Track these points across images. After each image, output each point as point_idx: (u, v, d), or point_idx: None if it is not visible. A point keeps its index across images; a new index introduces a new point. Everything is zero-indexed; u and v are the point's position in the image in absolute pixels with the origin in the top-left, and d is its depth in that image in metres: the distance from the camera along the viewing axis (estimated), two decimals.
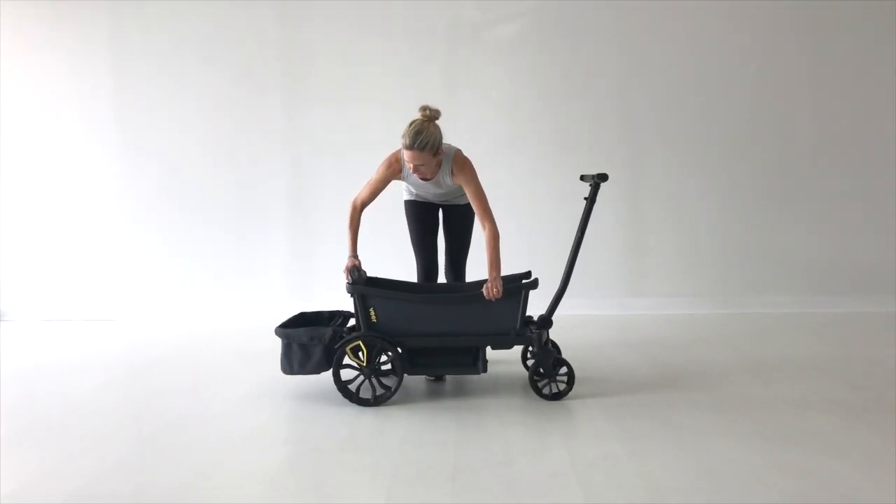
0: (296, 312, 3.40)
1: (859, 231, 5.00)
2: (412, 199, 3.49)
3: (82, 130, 5.25)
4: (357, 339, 3.00)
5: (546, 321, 3.14)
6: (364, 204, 3.26)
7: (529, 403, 3.00)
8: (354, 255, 3.23)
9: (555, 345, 3.31)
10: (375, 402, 3.00)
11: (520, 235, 5.07)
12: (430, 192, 3.36)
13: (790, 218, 5.02)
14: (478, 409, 2.95)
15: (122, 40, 5.18)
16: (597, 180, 3.20)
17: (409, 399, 3.11)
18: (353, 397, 3.02)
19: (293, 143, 5.18)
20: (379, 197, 3.29)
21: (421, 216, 3.48)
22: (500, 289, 3.03)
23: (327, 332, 3.02)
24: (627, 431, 2.63)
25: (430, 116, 3.07)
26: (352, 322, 3.38)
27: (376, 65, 5.06)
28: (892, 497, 2.06)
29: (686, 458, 2.37)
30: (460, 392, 3.20)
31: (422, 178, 3.19)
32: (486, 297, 3.02)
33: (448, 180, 3.22)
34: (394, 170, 3.24)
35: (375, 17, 5.05)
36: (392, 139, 4.94)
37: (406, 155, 3.07)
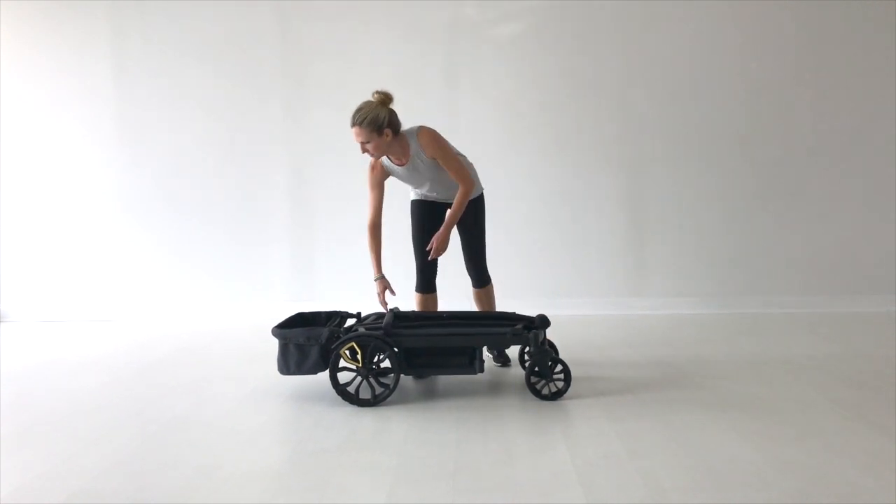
0: (293, 313, 3.40)
1: (860, 230, 4.99)
2: (417, 198, 3.52)
3: (82, 131, 5.25)
4: (350, 340, 3.00)
5: (544, 321, 3.14)
6: (372, 221, 3.41)
7: (530, 403, 3.00)
8: (380, 275, 3.40)
9: (552, 344, 3.31)
10: (375, 401, 3.00)
11: (520, 234, 5.07)
12: (421, 183, 3.40)
13: (791, 217, 5.02)
14: (478, 408, 2.95)
15: (121, 41, 5.18)
16: None
17: (409, 399, 3.10)
18: (352, 398, 3.01)
19: (293, 143, 5.18)
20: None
21: (422, 216, 3.51)
22: (445, 246, 3.32)
23: (324, 332, 3.02)
24: (628, 431, 2.63)
25: (379, 99, 3.18)
26: (350, 322, 3.38)
27: (376, 64, 5.06)
28: (892, 496, 2.05)
29: (687, 457, 2.37)
30: (460, 392, 3.20)
31: (397, 164, 3.29)
32: (429, 252, 3.30)
33: (424, 157, 3.28)
34: (377, 168, 3.37)
35: (375, 16, 5.05)
36: None
37: (352, 133, 3.17)
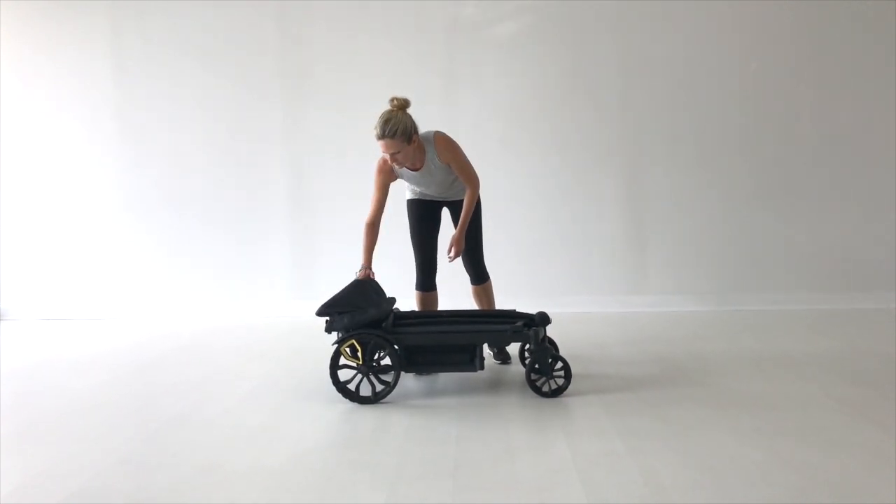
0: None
1: (859, 228, 4.99)
2: (415, 198, 3.52)
3: (82, 130, 5.26)
4: (351, 337, 3.00)
5: (544, 318, 3.14)
6: (371, 219, 3.35)
7: (530, 400, 3.00)
8: (367, 266, 3.31)
9: (552, 342, 3.31)
10: (375, 398, 3.00)
11: (520, 233, 5.07)
12: (429, 185, 3.40)
13: (790, 215, 5.02)
14: (479, 406, 2.95)
15: (121, 41, 5.18)
16: None
17: (409, 397, 3.11)
18: (352, 396, 3.02)
19: (293, 143, 5.18)
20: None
21: (421, 215, 3.51)
22: (462, 248, 3.36)
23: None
24: (628, 428, 2.63)
25: (399, 105, 3.15)
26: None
27: (376, 64, 5.06)
28: (893, 494, 2.05)
29: (687, 455, 2.37)
30: (461, 389, 3.20)
31: (412, 169, 3.28)
32: (448, 254, 3.33)
33: (438, 162, 3.28)
34: (386, 171, 3.33)
35: (375, 16, 5.05)
36: None
37: (381, 146, 3.13)
